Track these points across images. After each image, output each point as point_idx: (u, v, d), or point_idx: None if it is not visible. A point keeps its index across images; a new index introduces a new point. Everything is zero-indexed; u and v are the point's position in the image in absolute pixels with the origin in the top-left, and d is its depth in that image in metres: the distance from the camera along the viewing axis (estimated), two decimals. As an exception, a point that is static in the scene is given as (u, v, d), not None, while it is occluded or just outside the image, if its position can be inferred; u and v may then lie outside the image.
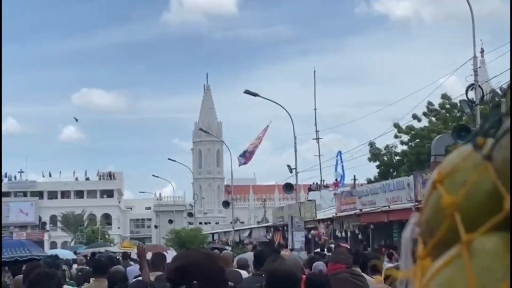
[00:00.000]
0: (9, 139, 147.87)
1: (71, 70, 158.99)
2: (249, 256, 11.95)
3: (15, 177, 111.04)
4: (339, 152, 51.03)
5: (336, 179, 52.46)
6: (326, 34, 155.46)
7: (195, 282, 2.89)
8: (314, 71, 61.49)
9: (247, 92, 38.04)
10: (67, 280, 13.24)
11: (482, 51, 38.52)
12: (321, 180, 54.78)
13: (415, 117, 42.86)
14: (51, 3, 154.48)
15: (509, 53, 25.16)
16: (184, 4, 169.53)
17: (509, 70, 26.75)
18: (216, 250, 28.52)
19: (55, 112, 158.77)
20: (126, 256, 19.48)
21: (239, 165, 62.19)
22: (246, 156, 61.26)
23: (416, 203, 27.55)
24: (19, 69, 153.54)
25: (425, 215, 0.93)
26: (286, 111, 38.82)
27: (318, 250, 27.68)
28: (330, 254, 17.24)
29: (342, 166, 50.80)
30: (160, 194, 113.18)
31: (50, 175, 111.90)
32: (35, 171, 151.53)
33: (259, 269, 7.78)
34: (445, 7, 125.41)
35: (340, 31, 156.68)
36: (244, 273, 8.46)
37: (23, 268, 10.13)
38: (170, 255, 12.43)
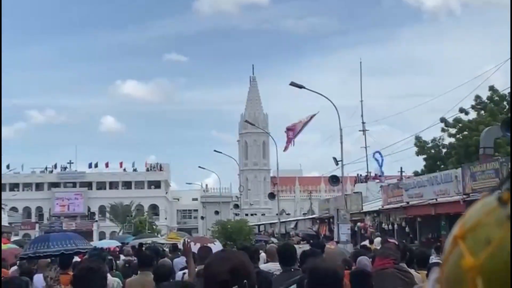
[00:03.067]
0: (53, 130, 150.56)
1: (112, 62, 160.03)
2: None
3: (64, 168, 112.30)
4: (378, 152, 50.56)
5: (375, 174, 52.23)
6: (369, 25, 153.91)
7: (245, 281, 2.97)
8: (360, 62, 61.29)
9: (292, 84, 37.90)
10: (114, 271, 13.37)
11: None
12: (367, 172, 54.51)
13: (462, 110, 42.31)
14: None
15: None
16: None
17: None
18: (263, 243, 28.62)
19: (98, 104, 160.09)
20: (175, 248, 19.61)
21: (285, 147, 61.53)
22: (289, 135, 60.78)
23: (465, 196, 27.22)
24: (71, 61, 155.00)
25: (445, 272, 0.87)
26: (332, 102, 38.59)
27: (365, 243, 27.55)
28: (376, 248, 17.14)
29: (382, 160, 50.34)
30: (206, 185, 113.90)
31: (96, 166, 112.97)
32: (81, 162, 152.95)
33: (286, 264, 7.75)
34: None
35: (383, 22, 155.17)
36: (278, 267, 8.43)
37: (75, 262, 10.26)
38: (216, 247, 12.50)
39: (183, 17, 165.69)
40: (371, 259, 9.31)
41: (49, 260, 12.04)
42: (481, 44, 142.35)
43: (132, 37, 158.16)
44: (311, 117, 57.06)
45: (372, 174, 54.32)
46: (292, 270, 7.43)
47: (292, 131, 59.59)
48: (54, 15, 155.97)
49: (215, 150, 73.38)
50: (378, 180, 48.30)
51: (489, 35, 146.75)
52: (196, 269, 7.52)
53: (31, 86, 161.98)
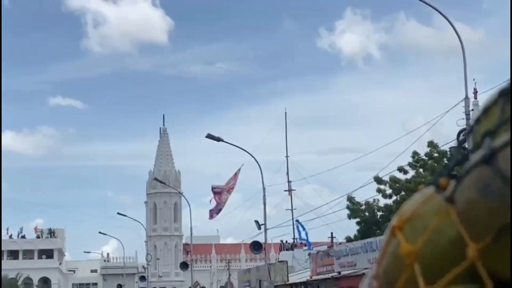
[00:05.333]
0: None
1: None
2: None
3: None
4: (298, 221, 50.96)
5: (302, 241, 52.50)
6: (295, 73, 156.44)
7: None
8: (285, 113, 62.08)
9: (209, 136, 38.16)
10: None
11: (475, 92, 39.10)
12: (294, 238, 54.60)
13: (400, 169, 43.10)
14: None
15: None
16: (104, 31, 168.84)
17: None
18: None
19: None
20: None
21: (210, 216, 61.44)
22: (216, 201, 60.70)
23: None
24: None
25: (383, 266, 0.97)
26: (254, 158, 38.97)
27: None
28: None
29: (306, 232, 50.71)
30: (108, 254, 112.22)
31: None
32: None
33: None
34: (438, 41, 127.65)
35: (311, 70, 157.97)
36: None
37: None
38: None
39: (70, 58, 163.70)
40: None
41: None
42: (413, 93, 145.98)
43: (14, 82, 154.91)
44: (236, 174, 57.30)
45: (299, 241, 54.51)
46: None
47: (219, 195, 59.65)
48: None
49: (118, 213, 72.96)
50: (305, 248, 48.56)
51: (421, 84, 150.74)
52: None
53: None
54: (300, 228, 50.83)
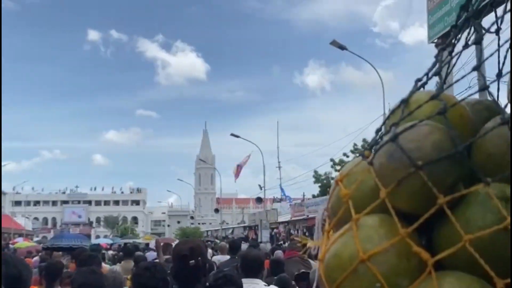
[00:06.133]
0: (60, 164, 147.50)
1: (97, 116, 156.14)
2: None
3: (73, 191, 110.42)
4: (282, 189, 50.29)
5: (285, 198, 52.09)
6: (281, 98, 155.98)
7: (199, 258, 2.94)
8: (278, 122, 62.08)
9: (232, 134, 38.14)
10: (106, 261, 13.06)
11: (389, 109, 38.81)
12: (281, 195, 54.48)
13: (344, 154, 43.04)
14: None
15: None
16: (168, 71, 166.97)
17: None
18: (209, 242, 28.28)
19: (87, 146, 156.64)
20: (147, 245, 19.22)
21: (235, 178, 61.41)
22: (238, 171, 60.93)
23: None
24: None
25: (330, 203, 0.99)
26: (259, 148, 38.94)
27: (280, 242, 27.48)
28: (286, 245, 17.18)
29: (288, 197, 50.06)
30: (171, 203, 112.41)
31: (95, 189, 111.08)
32: (83, 186, 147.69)
33: (233, 253, 7.74)
34: (366, 79, 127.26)
35: (290, 97, 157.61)
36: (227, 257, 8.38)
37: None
38: (177, 244, 12.31)
39: (148, 86, 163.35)
40: (283, 252, 9.34)
41: (60, 253, 11.69)
42: (357, 111, 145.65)
43: (117, 101, 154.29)
44: (249, 156, 57.44)
45: (284, 197, 54.22)
46: (236, 257, 7.43)
47: (240, 167, 60.03)
48: (69, 82, 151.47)
49: (178, 179, 73.27)
50: (287, 201, 48.35)
51: (356, 105, 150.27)
52: (164, 257, 7.42)
53: (45, 133, 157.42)
54: (284, 192, 50.20)
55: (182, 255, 2.96)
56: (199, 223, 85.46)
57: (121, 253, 14.39)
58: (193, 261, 2.94)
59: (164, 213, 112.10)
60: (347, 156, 43.63)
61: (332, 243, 0.90)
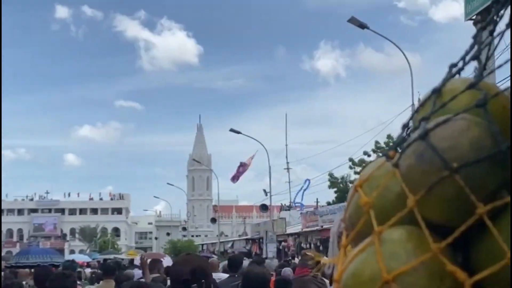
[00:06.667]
0: (26, 166, 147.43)
1: (70, 111, 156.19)
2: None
3: (42, 197, 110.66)
4: (308, 180, 50.49)
5: (295, 206, 52.21)
6: (289, 87, 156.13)
7: (203, 281, 2.94)
8: (286, 115, 61.46)
9: (232, 130, 38.13)
10: (83, 280, 13.10)
11: (419, 100, 38.71)
12: (290, 202, 54.59)
13: (365, 153, 43.06)
14: None
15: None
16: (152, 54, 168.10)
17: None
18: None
19: (58, 144, 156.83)
20: (131, 262, 19.29)
21: (234, 180, 61.69)
22: (238, 171, 61.10)
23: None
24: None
25: (348, 212, 0.98)
26: (263, 146, 38.99)
27: (289, 258, 27.55)
28: (296, 261, 17.21)
29: (302, 194, 50.16)
30: (160, 212, 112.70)
31: (69, 195, 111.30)
32: (56, 191, 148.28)
33: (233, 271, 7.76)
34: (389, 64, 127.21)
35: (299, 85, 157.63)
36: (225, 276, 8.40)
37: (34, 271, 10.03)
38: (166, 261, 12.34)
39: (128, 73, 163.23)
40: (293, 270, 9.36)
41: (27, 270, 11.75)
42: (379, 102, 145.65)
43: (92, 91, 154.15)
44: (253, 156, 57.51)
45: (294, 204, 54.31)
46: (236, 275, 7.43)
47: (243, 167, 60.16)
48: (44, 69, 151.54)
49: (168, 183, 73.01)
50: (298, 209, 48.42)
51: (389, 94, 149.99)
52: (151, 277, 7.45)
53: (6, 129, 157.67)
54: (305, 185, 49.98)
55: (182, 280, 2.96)
56: (192, 235, 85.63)
57: (100, 271, 14.45)
58: (195, 285, 2.94)
59: (151, 223, 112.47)
60: (369, 155, 43.68)
61: (350, 261, 0.88)
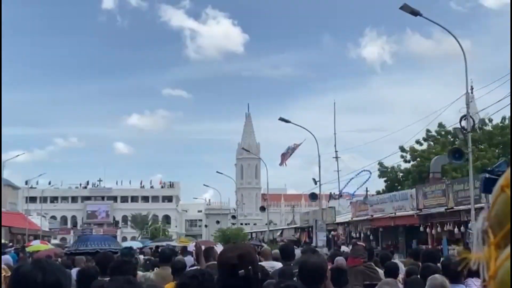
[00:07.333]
0: (77, 154, 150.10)
1: (117, 98, 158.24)
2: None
3: (95, 185, 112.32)
4: (369, 172, 49.25)
5: (344, 193, 51.78)
6: (336, 74, 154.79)
7: (250, 267, 2.98)
8: (334, 103, 60.96)
9: (281, 119, 37.99)
10: (139, 267, 13.38)
11: (472, 88, 38.01)
12: (339, 191, 54.29)
13: (417, 141, 42.44)
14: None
15: (495, 89, 24.82)
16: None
17: (495, 104, 26.46)
18: (254, 246, 28.52)
19: (108, 133, 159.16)
20: (185, 249, 19.54)
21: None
22: (285, 156, 61.80)
23: (418, 211, 27.28)
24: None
25: (494, 211, 0.95)
26: (312, 134, 38.77)
27: (337, 248, 27.49)
28: (346, 250, 17.16)
29: (369, 177, 49.07)
30: (209, 200, 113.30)
31: (121, 183, 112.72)
32: (109, 179, 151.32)
33: (286, 260, 7.79)
34: (438, 50, 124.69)
35: (346, 72, 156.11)
36: (278, 264, 8.44)
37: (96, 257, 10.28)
38: (218, 248, 12.50)
39: (175, 62, 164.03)
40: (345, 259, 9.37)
41: (83, 257, 12.06)
42: (429, 89, 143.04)
43: (140, 80, 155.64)
44: (300, 144, 57.70)
45: (343, 192, 53.98)
46: (292, 264, 7.45)
47: (288, 153, 60.59)
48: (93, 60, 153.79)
49: (217, 171, 73.33)
50: (348, 198, 48.14)
51: (442, 82, 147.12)
52: (206, 264, 7.55)
53: (59, 119, 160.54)
54: (365, 175, 48.93)
55: (230, 265, 3.00)
56: (241, 223, 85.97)
57: (153, 258, 14.71)
58: (242, 271, 2.97)
59: (200, 211, 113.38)
60: (421, 144, 43.05)
61: (505, 258, 0.88)
